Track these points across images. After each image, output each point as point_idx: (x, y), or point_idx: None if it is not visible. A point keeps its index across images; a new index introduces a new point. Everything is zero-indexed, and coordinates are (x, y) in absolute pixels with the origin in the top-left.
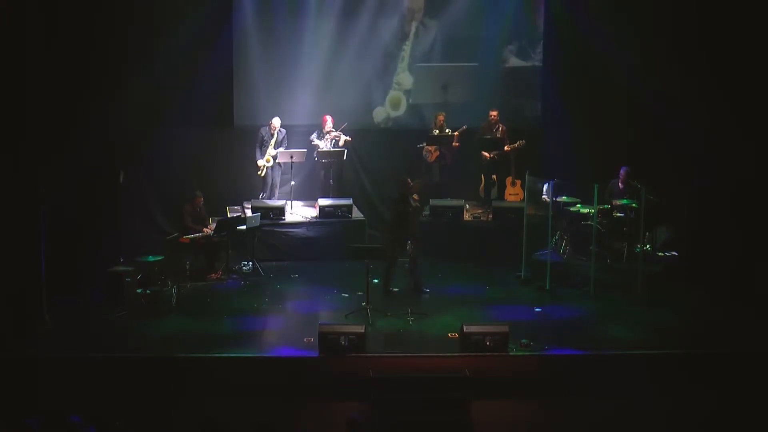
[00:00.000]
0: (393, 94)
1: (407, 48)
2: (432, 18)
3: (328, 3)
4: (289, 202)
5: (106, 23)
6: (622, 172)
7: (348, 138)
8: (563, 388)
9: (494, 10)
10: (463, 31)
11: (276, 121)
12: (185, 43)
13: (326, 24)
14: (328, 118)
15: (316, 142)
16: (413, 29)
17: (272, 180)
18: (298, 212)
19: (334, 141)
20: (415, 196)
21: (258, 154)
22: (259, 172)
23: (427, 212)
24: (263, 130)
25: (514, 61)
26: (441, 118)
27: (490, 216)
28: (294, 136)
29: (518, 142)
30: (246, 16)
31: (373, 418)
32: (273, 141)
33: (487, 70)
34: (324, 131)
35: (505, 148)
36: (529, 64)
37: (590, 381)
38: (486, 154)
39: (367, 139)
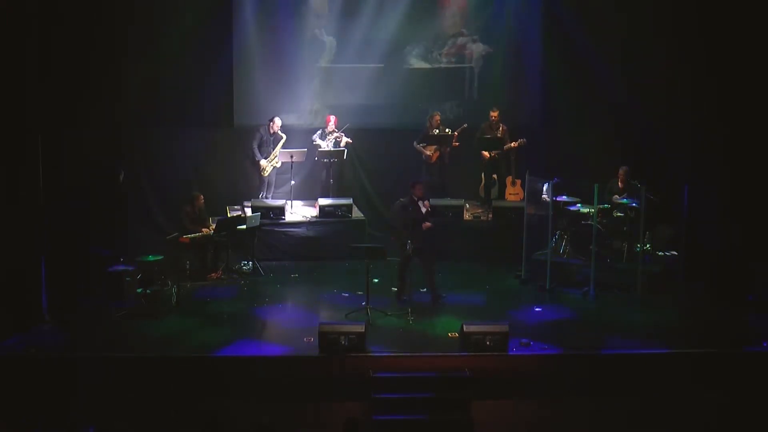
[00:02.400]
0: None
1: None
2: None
3: (328, 3)
4: (289, 202)
5: (107, 23)
6: (621, 171)
7: (349, 140)
8: (563, 388)
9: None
10: (369, 33)
11: (278, 121)
12: (185, 43)
13: (326, 23)
14: (332, 118)
15: (318, 142)
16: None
17: (269, 180)
18: (298, 212)
19: (335, 141)
20: (426, 203)
21: (257, 153)
22: (263, 172)
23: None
24: (262, 130)
25: (415, 63)
26: (437, 118)
27: (490, 216)
28: (294, 135)
29: (519, 141)
30: (246, 16)
31: (373, 418)
32: (281, 143)
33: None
34: (327, 131)
35: (504, 147)
36: (433, 66)
37: (590, 381)
38: (486, 153)
39: (367, 138)
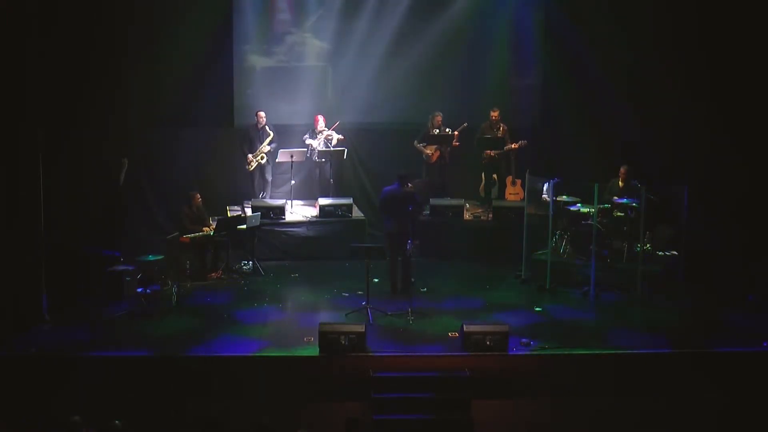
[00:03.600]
0: None
1: None
2: None
3: (327, 3)
4: (289, 202)
5: (107, 23)
6: (621, 170)
7: (341, 137)
8: (563, 388)
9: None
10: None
11: (263, 113)
12: (185, 43)
13: (326, 24)
14: (320, 118)
15: (309, 141)
16: None
17: (262, 178)
18: (298, 211)
19: (326, 140)
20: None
21: (246, 149)
22: (248, 166)
23: (427, 212)
24: (250, 126)
25: (256, 60)
26: (439, 118)
27: (490, 215)
28: (294, 135)
29: (520, 142)
30: (246, 17)
31: (373, 418)
32: (269, 138)
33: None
34: (316, 131)
35: (505, 148)
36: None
37: (590, 381)
38: (487, 152)
39: (367, 138)
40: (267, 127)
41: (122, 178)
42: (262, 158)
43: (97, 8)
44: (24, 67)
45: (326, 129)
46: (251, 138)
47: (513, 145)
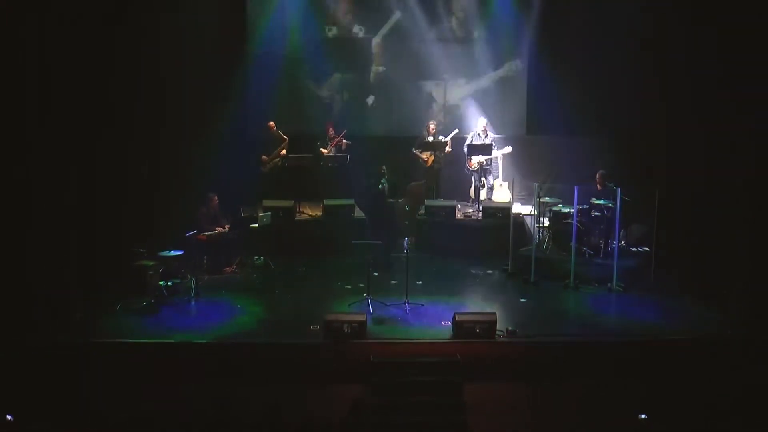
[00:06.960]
0: None
1: None
2: None
3: (333, 22)
4: (298, 203)
5: (126, 34)
6: (598, 174)
7: (348, 141)
8: (546, 372)
9: None
10: None
11: (272, 123)
12: (204, 61)
13: (330, 42)
14: (331, 126)
15: (322, 149)
16: None
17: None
18: (306, 211)
19: (337, 146)
20: None
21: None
22: (263, 166)
23: (422, 212)
24: (263, 134)
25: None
26: (432, 126)
27: (480, 215)
28: (303, 142)
29: (504, 149)
30: (260, 31)
31: (373, 400)
32: (283, 144)
33: None
34: (328, 137)
35: (492, 154)
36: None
37: (570, 366)
38: (474, 159)
39: (368, 144)
40: (281, 133)
41: (146, 171)
42: (278, 162)
43: (119, 23)
44: (48, 70)
45: (336, 135)
46: (265, 143)
47: (496, 155)
